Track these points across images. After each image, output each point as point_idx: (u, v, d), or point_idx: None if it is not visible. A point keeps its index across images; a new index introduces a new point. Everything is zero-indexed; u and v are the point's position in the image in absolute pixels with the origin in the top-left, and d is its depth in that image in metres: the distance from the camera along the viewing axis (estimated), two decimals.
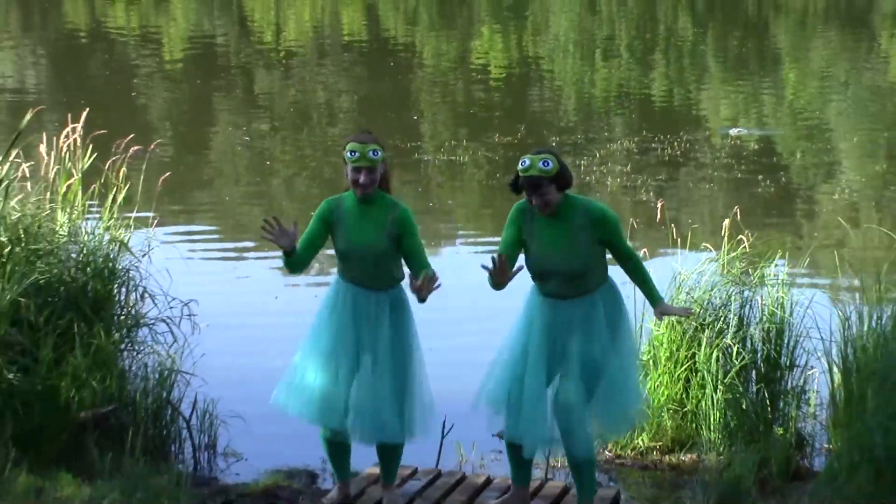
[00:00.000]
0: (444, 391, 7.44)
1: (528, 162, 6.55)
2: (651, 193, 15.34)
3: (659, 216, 10.30)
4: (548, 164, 6.56)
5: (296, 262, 6.89)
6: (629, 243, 6.97)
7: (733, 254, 9.29)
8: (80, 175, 9.30)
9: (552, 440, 7.03)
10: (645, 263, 7.02)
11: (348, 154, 6.80)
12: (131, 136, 9.81)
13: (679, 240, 10.08)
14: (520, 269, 6.65)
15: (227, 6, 35.10)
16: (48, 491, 7.49)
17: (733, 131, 20.42)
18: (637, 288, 7.07)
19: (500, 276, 6.47)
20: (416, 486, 7.61)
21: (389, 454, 7.25)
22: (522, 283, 6.83)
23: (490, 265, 6.39)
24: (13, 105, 18.55)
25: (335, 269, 7.26)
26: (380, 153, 6.81)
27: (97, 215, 9.29)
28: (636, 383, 7.30)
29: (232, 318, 10.25)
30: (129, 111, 20.53)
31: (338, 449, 7.26)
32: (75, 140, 9.42)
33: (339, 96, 23.60)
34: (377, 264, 6.95)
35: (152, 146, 10.36)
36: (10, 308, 7.92)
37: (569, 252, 6.75)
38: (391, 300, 7.06)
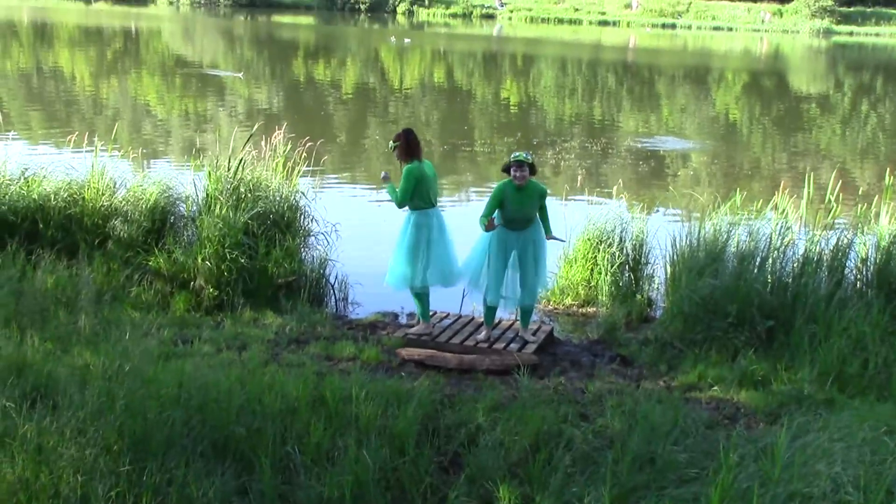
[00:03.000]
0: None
1: (520, 154, 6.63)
2: (584, 170, 15.01)
3: (580, 182, 10.05)
4: (529, 156, 6.71)
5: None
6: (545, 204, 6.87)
7: (622, 202, 9.08)
8: (282, 157, 9.24)
9: (506, 300, 7.07)
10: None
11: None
12: (307, 137, 9.71)
13: (594, 194, 9.85)
14: (499, 223, 6.72)
15: (374, 67, 34.69)
16: (260, 320, 7.57)
17: (633, 139, 19.90)
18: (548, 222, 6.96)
19: (489, 229, 6.61)
20: (449, 321, 7.54)
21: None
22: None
23: (485, 226, 6.58)
24: (257, 118, 18.33)
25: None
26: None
27: (291, 177, 9.21)
28: (546, 274, 7.25)
29: (359, 232, 10.12)
30: (320, 122, 20.41)
31: (422, 296, 7.15)
32: (280, 138, 9.35)
33: (431, 114, 23.28)
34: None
35: (318, 143, 10.21)
36: (243, 225, 7.96)
37: (528, 209, 6.73)
38: (439, 217, 7.05)
